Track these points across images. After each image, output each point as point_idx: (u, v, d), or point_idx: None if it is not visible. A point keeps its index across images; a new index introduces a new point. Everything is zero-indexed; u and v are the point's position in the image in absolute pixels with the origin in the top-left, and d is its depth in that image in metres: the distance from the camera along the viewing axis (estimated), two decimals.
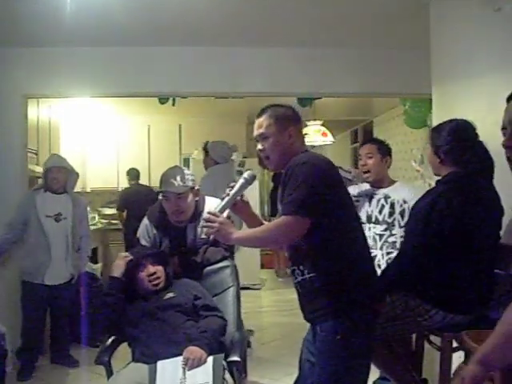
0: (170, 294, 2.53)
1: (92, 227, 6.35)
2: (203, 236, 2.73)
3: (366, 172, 3.17)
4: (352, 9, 3.47)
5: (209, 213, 1.97)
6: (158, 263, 2.60)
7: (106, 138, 7.19)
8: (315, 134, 6.91)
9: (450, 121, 2.43)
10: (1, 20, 3.53)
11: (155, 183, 6.10)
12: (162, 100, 5.44)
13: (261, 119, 2.07)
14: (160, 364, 2.25)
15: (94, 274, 4.96)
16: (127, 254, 2.65)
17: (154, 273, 2.56)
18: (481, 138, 2.37)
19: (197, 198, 2.78)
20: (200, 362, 2.24)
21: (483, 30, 2.84)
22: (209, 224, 1.94)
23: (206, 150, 4.63)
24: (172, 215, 2.72)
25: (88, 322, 4.53)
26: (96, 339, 4.42)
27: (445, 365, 2.28)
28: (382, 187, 3.15)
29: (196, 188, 2.79)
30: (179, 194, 2.67)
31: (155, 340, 2.36)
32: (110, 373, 2.39)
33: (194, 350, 2.27)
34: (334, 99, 5.77)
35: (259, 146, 2.06)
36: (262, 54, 4.27)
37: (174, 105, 5.68)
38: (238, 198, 2.05)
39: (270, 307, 6.54)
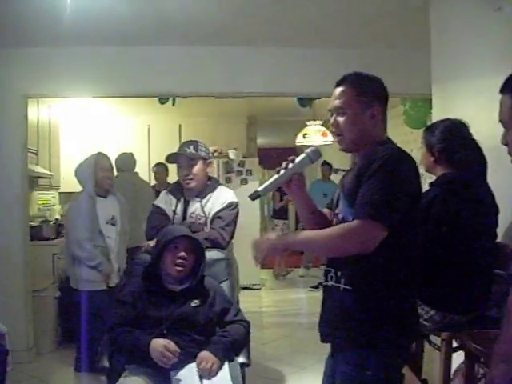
0: (196, 302, 2.38)
1: None
2: (201, 213, 2.87)
3: None
4: (352, 9, 3.47)
5: (255, 242, 1.68)
6: (190, 251, 2.43)
7: (105, 138, 7.18)
8: (315, 134, 6.90)
9: (444, 120, 2.44)
10: (1, 20, 3.53)
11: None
12: (162, 100, 5.44)
13: (341, 89, 1.73)
14: (174, 373, 2.19)
15: None
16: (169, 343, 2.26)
17: (184, 258, 2.39)
18: (480, 138, 2.37)
19: (208, 170, 2.96)
20: (212, 370, 2.20)
21: (483, 29, 2.84)
22: (258, 255, 1.65)
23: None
24: (183, 182, 2.91)
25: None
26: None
27: (445, 365, 2.28)
28: None
29: (209, 160, 2.98)
30: (190, 160, 2.86)
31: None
32: (110, 378, 2.35)
33: (206, 357, 2.22)
34: None
35: (332, 120, 1.73)
36: (262, 54, 4.27)
37: (174, 105, 5.68)
38: (295, 175, 1.73)
39: (269, 307, 6.54)
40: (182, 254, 2.39)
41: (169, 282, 2.41)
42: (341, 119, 1.71)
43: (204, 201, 2.89)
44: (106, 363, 2.37)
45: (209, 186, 2.94)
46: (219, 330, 2.40)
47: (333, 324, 1.67)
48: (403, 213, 1.55)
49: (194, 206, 2.89)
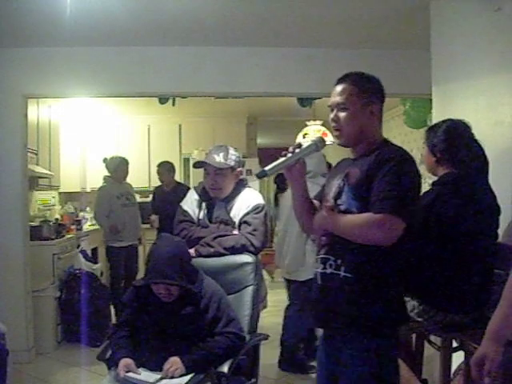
0: (188, 310, 2.34)
1: (92, 227, 6.37)
2: (226, 217, 2.77)
3: None
4: (352, 9, 3.47)
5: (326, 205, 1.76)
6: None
7: (105, 138, 7.19)
8: (315, 134, 6.90)
9: (445, 120, 2.44)
10: (1, 20, 3.53)
11: (155, 183, 6.14)
12: (162, 100, 5.44)
13: (342, 86, 1.82)
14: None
15: (94, 273, 4.97)
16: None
17: (168, 291, 2.32)
18: (480, 138, 2.38)
19: (237, 180, 2.82)
20: (174, 374, 2.19)
21: (483, 29, 2.84)
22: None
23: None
24: (209, 190, 2.78)
25: (88, 321, 4.55)
26: (96, 339, 4.43)
27: (445, 365, 2.28)
28: None
29: (238, 169, 2.81)
30: (218, 170, 2.71)
31: (153, 353, 2.30)
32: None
33: (173, 361, 2.22)
34: None
35: (332, 116, 1.82)
36: (262, 54, 4.26)
37: (174, 105, 5.68)
38: (299, 160, 1.80)
39: (270, 307, 6.52)
40: (163, 291, 2.30)
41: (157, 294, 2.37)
42: (341, 114, 1.79)
43: (229, 205, 2.79)
44: (109, 355, 2.40)
45: (235, 189, 2.81)
46: (207, 339, 2.32)
47: (332, 310, 1.74)
48: (411, 208, 1.66)
49: (220, 210, 2.79)
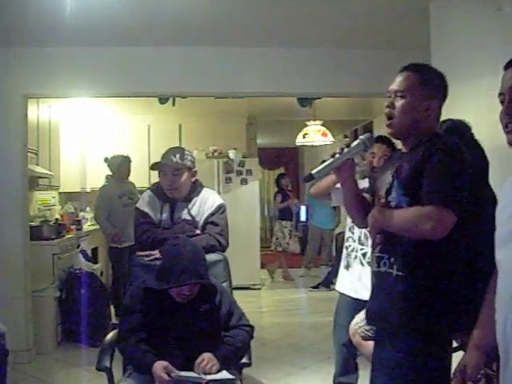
0: (206, 306, 2.36)
1: (92, 227, 6.37)
2: (188, 217, 2.80)
3: (373, 168, 3.15)
4: (352, 9, 3.47)
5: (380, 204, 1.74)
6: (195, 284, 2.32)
7: (105, 138, 7.19)
8: (315, 134, 6.91)
9: (445, 120, 2.44)
10: (1, 20, 3.53)
11: None
12: (162, 100, 5.44)
13: (405, 73, 1.75)
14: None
15: (94, 273, 4.97)
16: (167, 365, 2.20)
17: (190, 292, 2.31)
18: (480, 138, 2.37)
19: (193, 179, 2.85)
20: (211, 371, 2.19)
21: (483, 30, 2.84)
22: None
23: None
24: (167, 191, 2.80)
25: (88, 321, 4.55)
26: (96, 339, 4.42)
27: None
28: None
29: (194, 170, 2.85)
30: (175, 170, 2.74)
31: (174, 354, 2.27)
32: (111, 378, 2.34)
33: (208, 357, 2.21)
34: (334, 99, 5.77)
35: (388, 102, 1.77)
36: (262, 54, 4.26)
37: (174, 105, 5.69)
38: (348, 160, 1.78)
39: (270, 307, 6.55)
40: (187, 292, 2.29)
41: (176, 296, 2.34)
42: (398, 102, 1.74)
43: (190, 204, 2.82)
44: (108, 363, 2.36)
45: (193, 189, 2.85)
46: (225, 334, 2.37)
47: (384, 309, 1.71)
48: (464, 202, 1.62)
49: (181, 210, 2.82)
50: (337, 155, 1.76)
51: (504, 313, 1.29)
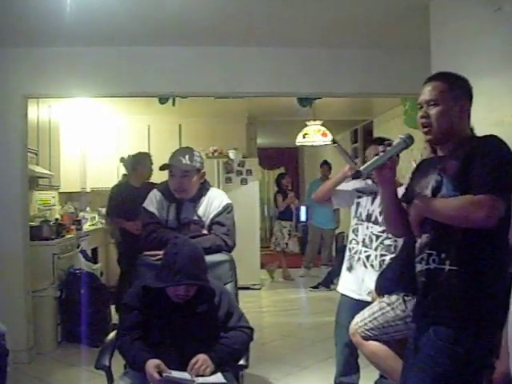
0: (204, 307, 2.36)
1: (92, 227, 6.38)
2: (195, 218, 2.81)
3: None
4: (352, 9, 3.47)
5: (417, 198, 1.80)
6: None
7: (105, 137, 7.19)
8: (315, 134, 6.90)
9: None
10: (1, 20, 3.53)
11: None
12: (162, 100, 5.44)
13: (433, 83, 1.85)
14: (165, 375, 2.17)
15: (94, 273, 4.97)
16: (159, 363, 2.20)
17: (186, 293, 2.31)
18: None
19: (202, 181, 2.86)
20: (204, 372, 2.18)
21: (483, 30, 2.84)
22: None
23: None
24: (175, 191, 2.80)
25: (88, 321, 4.55)
26: (96, 339, 4.42)
27: None
28: None
29: (203, 171, 2.86)
30: (184, 172, 2.75)
31: (169, 354, 2.27)
32: (110, 377, 2.35)
33: (202, 359, 2.21)
34: (334, 99, 5.76)
35: (421, 113, 1.86)
36: (262, 53, 4.26)
37: (174, 105, 5.68)
38: (391, 158, 1.83)
39: (270, 307, 6.54)
40: (183, 292, 2.29)
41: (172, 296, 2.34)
42: (432, 111, 1.82)
43: (197, 205, 2.83)
44: (107, 362, 2.37)
45: (200, 189, 2.85)
46: (222, 336, 2.36)
47: (437, 305, 1.73)
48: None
49: (187, 210, 2.83)
50: (381, 153, 1.81)
51: None
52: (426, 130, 1.85)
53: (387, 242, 3.01)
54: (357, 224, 3.15)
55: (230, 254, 2.78)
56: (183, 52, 4.23)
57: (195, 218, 2.80)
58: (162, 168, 2.83)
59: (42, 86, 4.18)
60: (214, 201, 2.85)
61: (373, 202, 3.10)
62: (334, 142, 2.71)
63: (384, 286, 2.75)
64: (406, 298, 2.59)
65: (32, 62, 4.12)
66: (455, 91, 1.83)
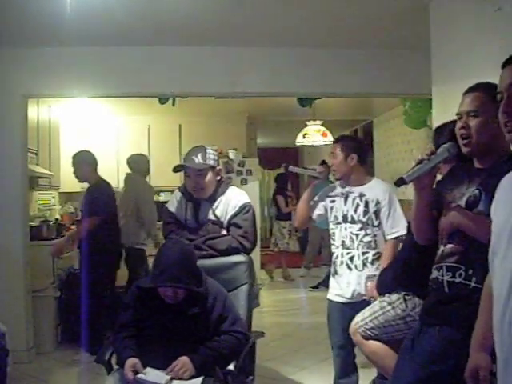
0: (195, 310, 2.33)
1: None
2: (213, 218, 2.79)
3: (334, 170, 3.18)
4: (352, 9, 3.47)
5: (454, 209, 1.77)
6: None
7: (106, 138, 7.19)
8: (315, 134, 6.91)
9: (453, 121, 2.43)
10: (1, 20, 3.53)
11: (155, 183, 6.15)
12: (162, 100, 5.43)
13: (474, 94, 1.79)
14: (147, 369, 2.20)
15: None
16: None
17: (175, 294, 2.31)
18: None
19: (218, 178, 2.84)
20: (182, 375, 2.17)
21: (483, 29, 2.84)
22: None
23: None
24: (192, 191, 2.80)
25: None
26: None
27: None
28: (357, 185, 3.09)
29: (218, 168, 2.84)
30: (198, 171, 2.73)
31: (157, 354, 2.28)
32: (110, 369, 2.38)
33: (183, 362, 2.20)
34: (334, 99, 5.76)
35: (461, 123, 1.80)
36: (262, 53, 4.27)
37: (174, 105, 5.67)
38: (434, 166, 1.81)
39: (270, 307, 6.54)
40: (171, 293, 2.28)
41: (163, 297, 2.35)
42: (473, 122, 1.77)
43: (215, 204, 2.80)
44: (107, 357, 2.40)
45: (218, 188, 2.83)
46: (214, 339, 2.33)
47: (457, 314, 1.72)
48: None
49: (205, 210, 2.81)
50: (425, 161, 1.79)
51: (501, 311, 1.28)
52: (465, 141, 1.79)
53: (366, 238, 3.01)
54: (333, 228, 3.14)
55: (247, 256, 2.74)
56: (183, 52, 4.23)
57: (213, 218, 2.79)
58: (176, 169, 2.82)
59: (42, 86, 4.18)
60: (231, 201, 2.82)
61: (345, 202, 3.09)
62: (286, 168, 2.77)
63: (385, 285, 2.75)
64: (406, 297, 2.59)
65: (32, 62, 4.12)
66: (496, 102, 1.72)
